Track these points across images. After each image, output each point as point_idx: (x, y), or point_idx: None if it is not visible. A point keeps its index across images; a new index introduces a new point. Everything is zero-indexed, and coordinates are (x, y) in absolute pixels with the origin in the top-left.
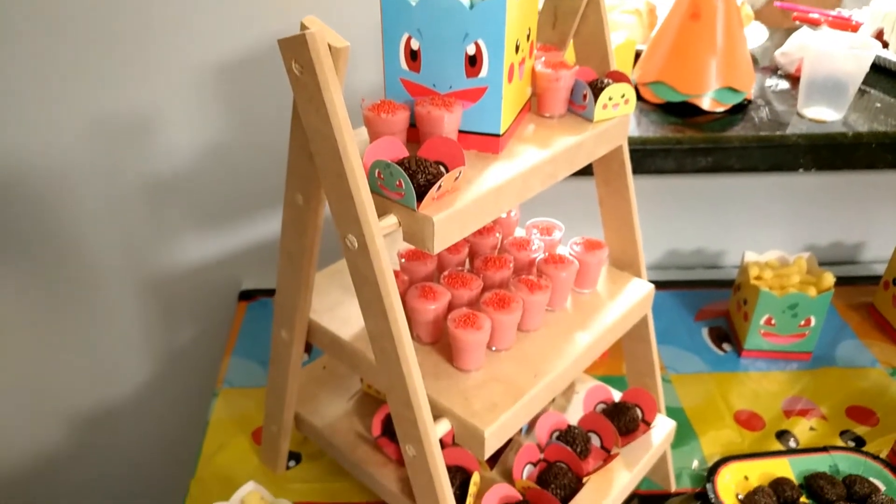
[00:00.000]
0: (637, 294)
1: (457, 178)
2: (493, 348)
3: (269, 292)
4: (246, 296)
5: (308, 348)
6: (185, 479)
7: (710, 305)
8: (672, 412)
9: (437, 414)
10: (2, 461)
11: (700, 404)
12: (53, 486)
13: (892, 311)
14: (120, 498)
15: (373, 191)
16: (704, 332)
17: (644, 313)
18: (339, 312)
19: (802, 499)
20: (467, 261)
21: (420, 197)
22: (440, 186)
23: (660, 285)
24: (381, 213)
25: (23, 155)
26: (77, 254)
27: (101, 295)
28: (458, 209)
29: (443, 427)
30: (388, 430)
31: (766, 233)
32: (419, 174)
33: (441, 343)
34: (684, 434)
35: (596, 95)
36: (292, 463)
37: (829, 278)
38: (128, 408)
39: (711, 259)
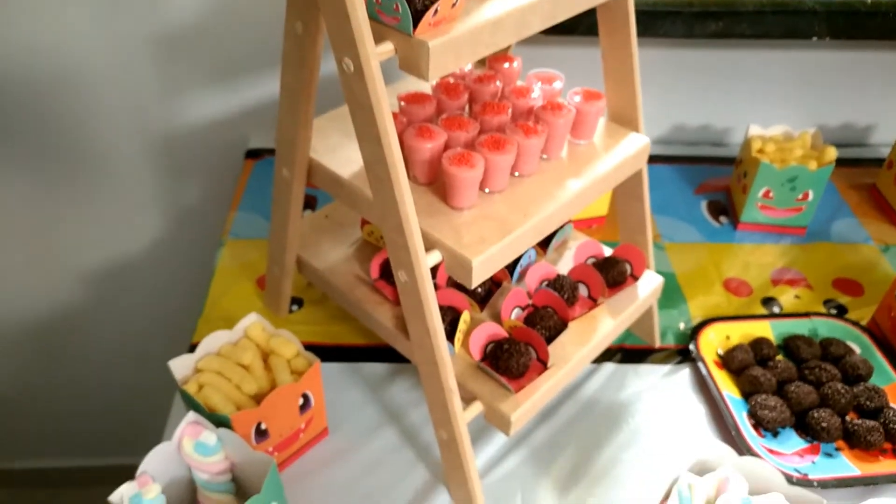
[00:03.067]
0: (633, 147)
1: (454, 5)
2: (487, 190)
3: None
4: (253, 154)
5: (309, 204)
6: (193, 321)
7: (711, 180)
8: (664, 277)
9: (429, 246)
10: (20, 317)
11: (691, 271)
12: (69, 337)
13: (892, 190)
14: (130, 341)
15: (370, 17)
16: (703, 205)
17: (639, 168)
18: (339, 153)
19: (779, 357)
20: (467, 107)
21: (417, 23)
22: (437, 11)
23: (663, 159)
24: (378, 41)
25: (24, 18)
26: (84, 115)
27: (110, 155)
28: (454, 37)
29: (434, 257)
30: (386, 273)
31: (775, 111)
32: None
33: (436, 184)
34: (674, 297)
35: None
36: (294, 307)
37: (831, 152)
38: (138, 262)
39: (717, 136)
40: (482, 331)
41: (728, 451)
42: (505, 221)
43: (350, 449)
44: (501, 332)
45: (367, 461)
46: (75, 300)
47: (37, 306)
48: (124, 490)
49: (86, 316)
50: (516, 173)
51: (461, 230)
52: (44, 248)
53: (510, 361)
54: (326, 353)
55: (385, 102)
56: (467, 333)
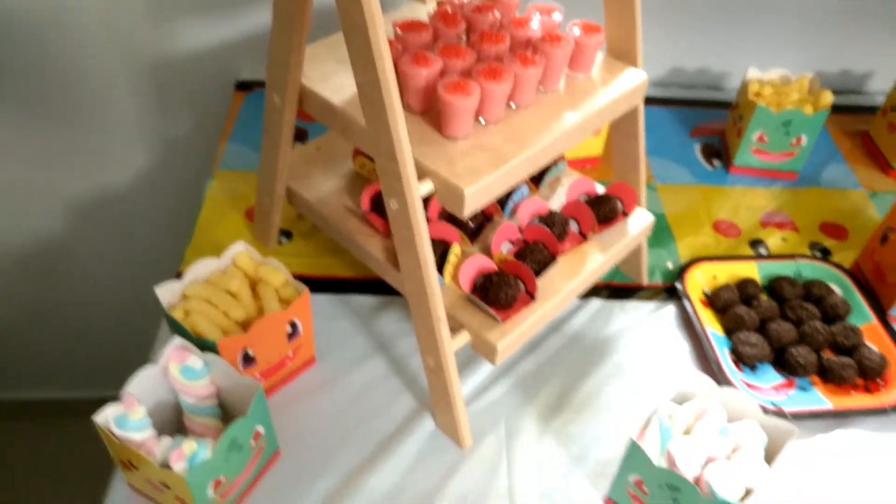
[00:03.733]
0: (630, 82)
1: None
2: (482, 120)
3: None
4: (244, 86)
5: (300, 138)
6: (181, 251)
7: (706, 124)
8: (654, 217)
9: (422, 175)
10: (7, 247)
11: (682, 212)
12: (58, 267)
13: (885, 137)
14: (117, 271)
15: None
16: (697, 147)
17: (636, 104)
18: (332, 81)
19: (763, 296)
20: (464, 37)
21: None
22: None
23: (659, 101)
24: None
25: None
26: (71, 45)
27: (99, 85)
28: None
29: (426, 187)
30: (377, 205)
31: (774, 56)
32: None
33: (431, 113)
34: (663, 237)
35: None
36: (284, 240)
37: (827, 96)
38: (127, 192)
39: (714, 80)
40: (472, 263)
41: (707, 381)
42: (499, 152)
43: (337, 377)
44: (491, 265)
45: (354, 389)
46: (64, 231)
47: (25, 237)
48: (109, 411)
49: (74, 246)
50: (512, 104)
51: (455, 159)
52: (33, 179)
53: (499, 293)
54: (315, 284)
55: (380, 24)
56: (457, 266)
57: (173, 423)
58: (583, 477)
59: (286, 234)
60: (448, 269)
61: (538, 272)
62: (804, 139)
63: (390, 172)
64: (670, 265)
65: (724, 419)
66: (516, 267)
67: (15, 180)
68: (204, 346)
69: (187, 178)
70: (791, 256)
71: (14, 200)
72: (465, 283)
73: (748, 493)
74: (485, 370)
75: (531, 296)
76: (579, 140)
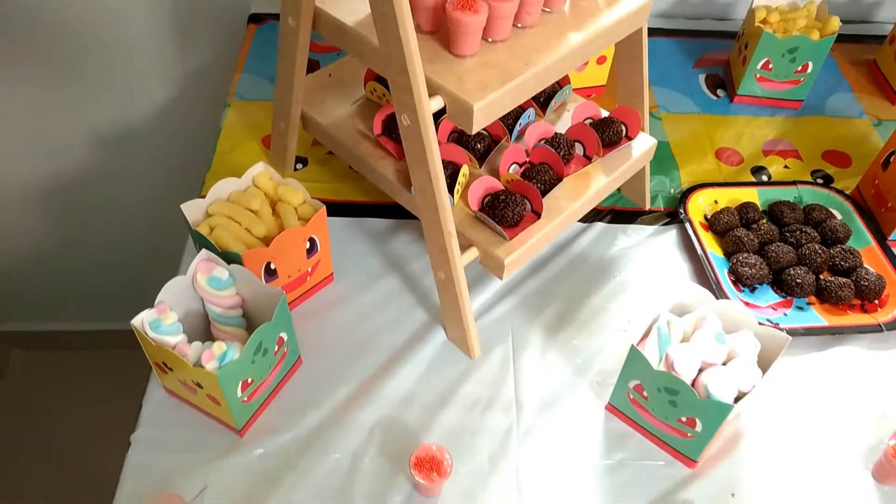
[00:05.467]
0: (634, 3)
1: None
2: (489, 39)
3: (278, 17)
4: (256, 19)
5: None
6: (200, 179)
7: (711, 54)
8: (658, 146)
9: (432, 92)
10: (37, 181)
11: (685, 140)
12: (83, 200)
13: (891, 65)
14: (139, 204)
15: None
16: (701, 78)
17: (640, 25)
18: (344, 3)
19: (763, 220)
20: None
21: None
22: None
23: (663, 33)
24: None
25: None
26: None
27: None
28: None
29: (436, 102)
30: (389, 129)
31: None
32: None
33: (440, 33)
34: (666, 164)
35: None
36: (299, 166)
37: (834, 22)
38: (147, 125)
39: (720, 10)
40: (480, 184)
41: (705, 293)
42: (506, 69)
43: (354, 294)
44: (498, 186)
45: (369, 305)
46: (88, 163)
47: (51, 170)
48: (144, 315)
49: (98, 178)
50: (518, 24)
51: (463, 76)
52: (55, 117)
53: (506, 211)
54: (331, 208)
55: None
56: (466, 186)
57: (202, 332)
58: (585, 386)
59: (302, 161)
60: (458, 189)
61: (544, 192)
62: (810, 66)
63: (402, 87)
64: (672, 191)
65: (721, 329)
66: (523, 186)
67: (38, 119)
68: (229, 258)
69: (205, 110)
70: (793, 183)
71: (38, 139)
72: (474, 201)
73: (742, 395)
74: (492, 288)
75: (537, 214)
76: (583, 59)
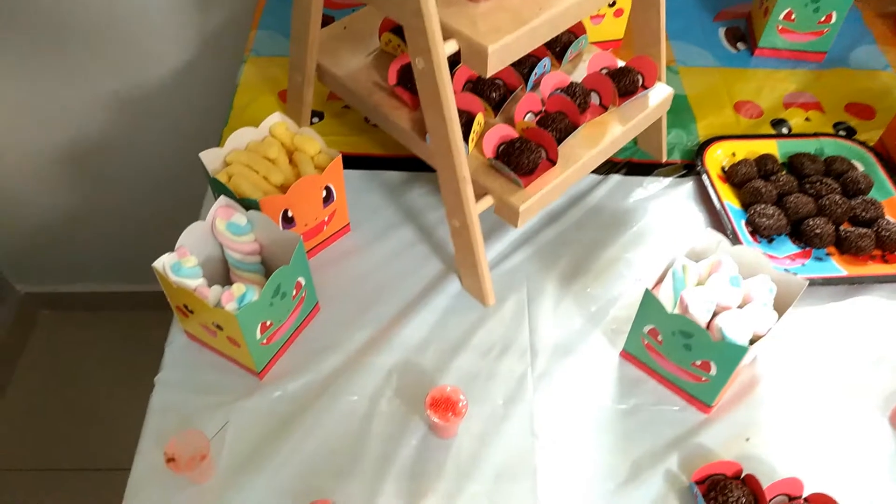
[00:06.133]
0: None
1: None
2: None
3: None
4: None
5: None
6: (218, 135)
7: (731, 8)
8: (675, 99)
9: (447, 36)
10: (57, 145)
11: (703, 93)
12: (104, 162)
13: None
14: (162, 163)
15: None
16: (721, 31)
17: None
18: None
19: (782, 172)
20: None
21: None
22: None
23: None
24: None
25: None
26: None
27: None
28: None
29: (450, 46)
30: (404, 79)
31: None
32: None
33: None
34: (683, 117)
35: None
36: (315, 120)
37: None
38: (163, 86)
39: None
40: (495, 132)
41: (721, 238)
42: (519, 13)
43: (370, 244)
44: (514, 134)
45: (385, 254)
46: (108, 126)
47: (74, 135)
48: (165, 259)
49: (119, 140)
50: None
51: (477, 20)
52: (76, 82)
53: (521, 158)
54: (347, 161)
55: None
56: (481, 135)
57: (221, 278)
58: (600, 334)
59: (318, 115)
60: (472, 138)
61: (559, 140)
62: (834, 16)
63: (416, 30)
64: (689, 143)
65: (737, 273)
66: (538, 134)
67: (58, 85)
68: (247, 205)
69: (223, 67)
70: (814, 135)
71: (59, 105)
72: (489, 149)
73: (757, 339)
74: (507, 239)
75: (552, 162)
76: (598, 6)
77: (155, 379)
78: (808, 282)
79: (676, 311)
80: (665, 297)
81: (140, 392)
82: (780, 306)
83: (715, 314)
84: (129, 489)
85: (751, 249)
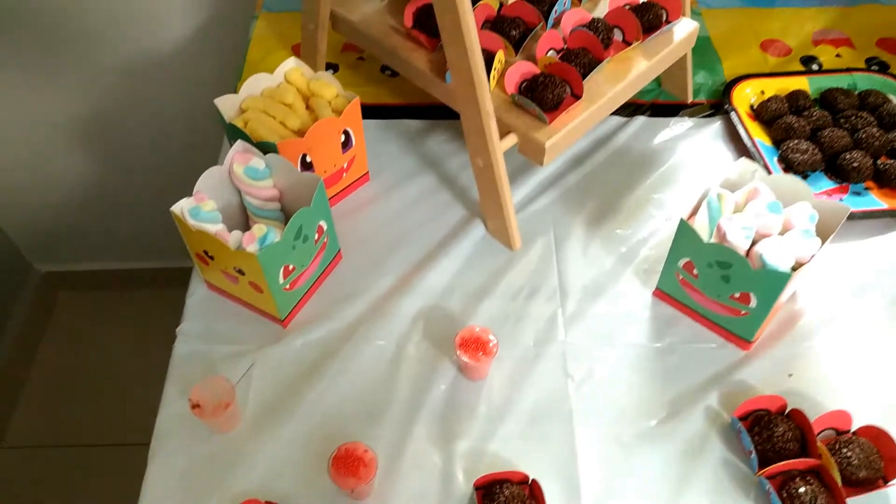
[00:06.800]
0: None
1: None
2: None
3: None
4: None
5: None
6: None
7: None
8: (699, 41)
9: None
10: (70, 119)
11: (727, 33)
12: (116, 134)
13: None
14: (176, 130)
15: None
16: None
17: None
18: None
19: (814, 108)
20: None
21: None
22: None
23: None
24: None
25: None
26: None
27: None
28: None
29: None
30: (419, 21)
31: None
32: None
33: None
34: (708, 58)
35: None
36: (330, 72)
37: None
38: (175, 50)
39: None
40: (517, 69)
41: (756, 167)
42: None
43: (390, 191)
44: (535, 70)
45: (406, 202)
46: (122, 98)
47: (87, 106)
48: (183, 203)
49: (133, 111)
50: None
51: None
52: (81, 48)
53: (545, 93)
54: (364, 111)
55: None
56: (502, 73)
57: (241, 226)
58: (632, 274)
59: (332, 67)
60: (493, 75)
61: (583, 76)
62: None
63: None
64: (712, 82)
65: (775, 199)
66: (562, 69)
67: (66, 49)
68: (265, 148)
69: (232, 23)
70: (846, 70)
71: (65, 71)
72: (511, 86)
73: (800, 266)
74: (532, 183)
75: (577, 98)
76: None
77: (177, 330)
78: (850, 208)
79: (713, 240)
80: (700, 227)
81: (163, 370)
82: (823, 235)
83: (754, 243)
84: (154, 440)
85: (789, 177)
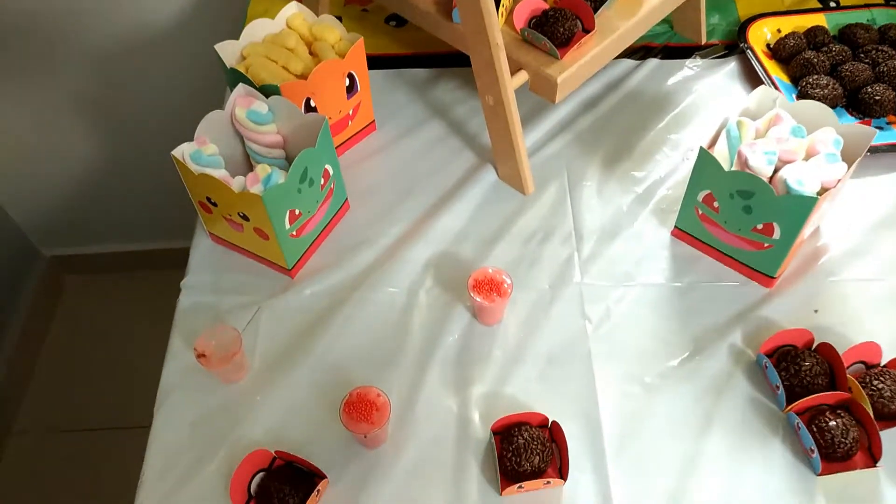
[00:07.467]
0: None
1: None
2: None
3: None
4: None
5: None
6: None
7: None
8: None
9: None
10: (75, 95)
11: None
12: (113, 114)
13: None
14: (179, 93)
15: None
16: None
17: None
18: None
19: (833, 44)
20: None
21: None
22: None
23: None
24: None
25: None
26: None
27: None
28: None
29: None
30: None
31: None
32: None
33: None
34: (721, 1)
35: None
36: None
37: None
38: (169, 28)
39: None
40: (526, 4)
41: (777, 94)
42: None
43: (398, 140)
44: (545, 6)
45: (415, 149)
46: (118, 68)
47: (84, 86)
48: (184, 147)
49: (135, 87)
50: None
51: None
52: (78, 25)
53: (556, 27)
54: (369, 62)
55: None
56: (510, 10)
57: (244, 173)
58: (649, 214)
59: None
60: (501, 12)
61: (595, 10)
62: None
63: None
64: (729, 25)
65: (798, 124)
66: (573, 3)
67: (54, 25)
68: (267, 91)
69: None
70: (865, 6)
71: (71, 58)
72: (520, 22)
73: (825, 190)
74: (543, 127)
75: (587, 32)
76: None
77: (181, 283)
78: (877, 130)
79: (734, 168)
80: (720, 157)
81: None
82: (848, 154)
83: (776, 170)
84: (160, 393)
85: (812, 102)
